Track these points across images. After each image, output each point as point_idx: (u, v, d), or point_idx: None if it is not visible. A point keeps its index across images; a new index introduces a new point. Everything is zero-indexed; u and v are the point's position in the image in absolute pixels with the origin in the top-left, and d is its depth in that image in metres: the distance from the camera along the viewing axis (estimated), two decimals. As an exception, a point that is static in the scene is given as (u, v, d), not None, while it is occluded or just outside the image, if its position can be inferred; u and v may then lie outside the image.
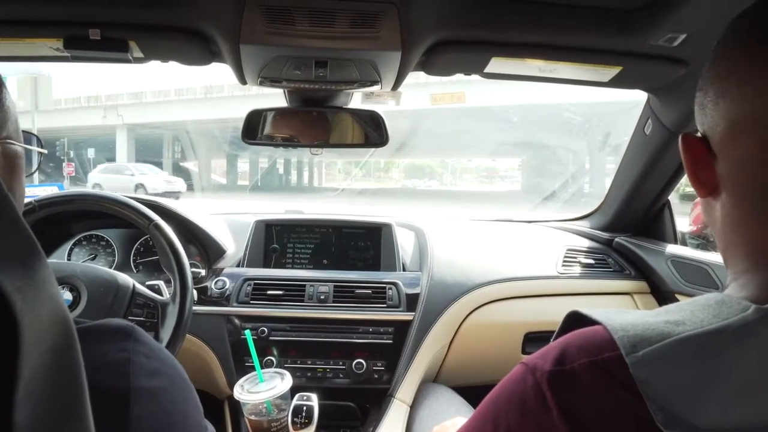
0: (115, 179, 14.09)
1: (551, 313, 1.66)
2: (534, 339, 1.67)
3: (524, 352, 1.67)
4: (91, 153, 13.18)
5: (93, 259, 1.73)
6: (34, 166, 0.74)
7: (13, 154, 0.60)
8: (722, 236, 0.55)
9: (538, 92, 10.67)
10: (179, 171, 15.87)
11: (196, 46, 1.12)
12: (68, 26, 1.06)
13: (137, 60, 1.19)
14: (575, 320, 0.56)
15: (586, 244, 1.91)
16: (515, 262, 1.77)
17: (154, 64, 1.27)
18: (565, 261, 1.80)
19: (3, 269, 0.30)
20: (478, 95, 11.86)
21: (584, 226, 2.07)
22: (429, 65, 1.24)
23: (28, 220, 1.39)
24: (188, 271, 1.36)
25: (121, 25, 1.08)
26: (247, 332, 1.30)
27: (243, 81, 1.26)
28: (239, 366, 1.57)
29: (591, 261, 1.82)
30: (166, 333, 1.33)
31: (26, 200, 1.42)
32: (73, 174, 12.77)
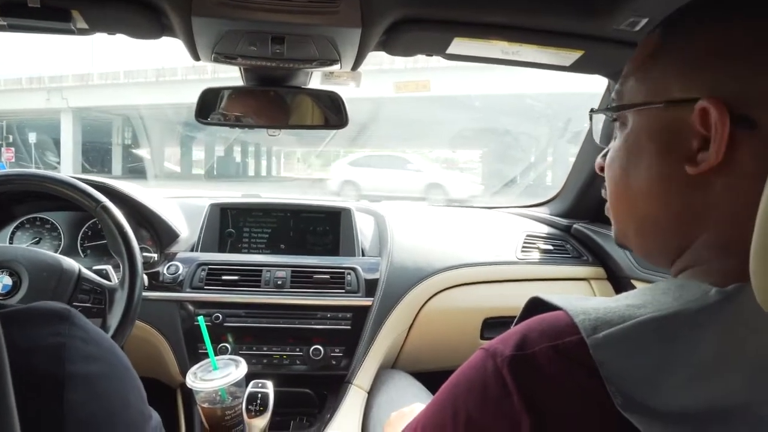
0: (386, 175, 10.60)
1: (510, 299, 1.66)
2: (493, 324, 1.67)
3: (483, 337, 1.67)
4: (32, 138, 12.62)
5: (37, 242, 1.64)
6: None
7: None
8: (688, 222, 0.54)
9: (502, 81, 10.76)
10: (130, 158, 15.43)
11: (144, 18, 1.06)
12: None
13: (81, 31, 1.11)
14: (536, 306, 0.55)
15: (545, 230, 1.92)
16: (475, 248, 1.76)
17: (102, 39, 1.19)
18: (524, 247, 1.80)
19: None
20: (443, 84, 11.85)
21: (544, 212, 2.08)
22: (390, 45, 1.21)
23: None
24: (138, 255, 1.30)
25: None
26: (200, 318, 1.25)
27: (196, 57, 1.20)
28: (192, 353, 1.51)
29: (550, 247, 1.83)
30: (114, 319, 1.27)
31: None
32: (13, 159, 12.21)
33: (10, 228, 1.64)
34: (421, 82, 12.31)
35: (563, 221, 1.96)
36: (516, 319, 0.57)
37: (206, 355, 1.19)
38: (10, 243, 1.63)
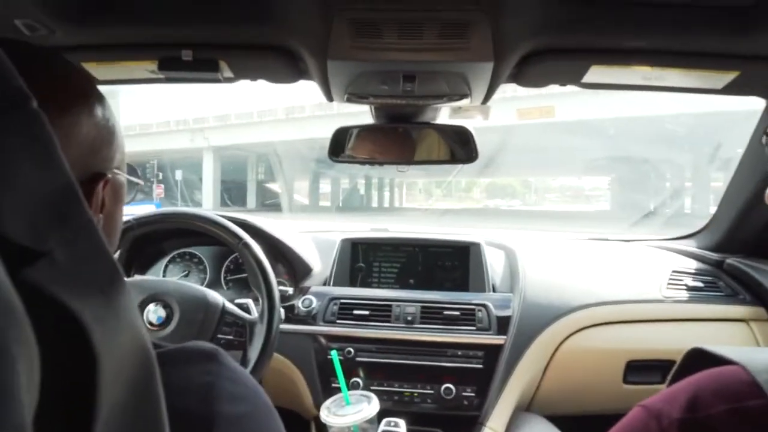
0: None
1: (656, 341, 1.53)
2: (637, 368, 1.54)
3: (626, 381, 1.54)
4: (178, 175, 13.79)
5: (186, 275, 1.77)
6: (131, 194, 0.76)
7: (119, 184, 0.62)
8: None
9: (634, 104, 10.18)
10: (263, 192, 16.41)
11: (284, 64, 1.12)
12: (162, 48, 1.08)
13: (227, 80, 1.20)
14: (697, 357, 0.48)
15: (693, 265, 1.76)
16: (615, 285, 1.65)
17: (241, 86, 1.28)
18: (670, 284, 1.66)
19: (82, 298, 0.27)
20: (568, 109, 11.44)
21: (690, 245, 1.91)
22: (522, 76, 1.18)
23: (127, 238, 1.44)
24: (275, 290, 1.36)
25: (212, 45, 1.09)
26: (334, 353, 1.28)
27: (330, 98, 1.24)
28: (325, 386, 1.54)
29: (700, 284, 1.67)
30: (254, 352, 1.33)
31: (125, 218, 1.47)
32: (163, 195, 13.38)
33: (164, 262, 1.78)
34: (545, 108, 11.98)
35: (714, 255, 1.78)
36: (673, 373, 0.50)
37: (339, 389, 1.21)
38: (163, 276, 1.76)
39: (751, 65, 1.11)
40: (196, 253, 1.80)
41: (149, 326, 1.30)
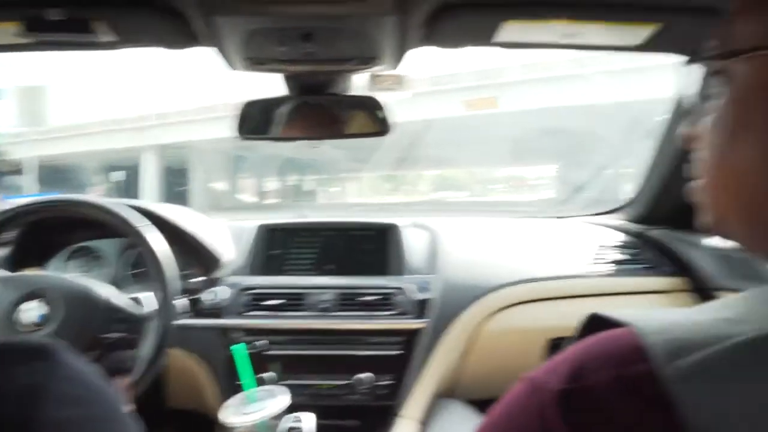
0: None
1: (579, 317, 1.47)
2: (560, 346, 1.49)
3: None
4: (118, 176, 13.35)
5: (87, 271, 1.63)
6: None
7: None
8: None
9: (575, 93, 10.49)
10: (209, 191, 16.02)
11: (170, 24, 1.01)
12: (27, 7, 0.96)
13: (110, 45, 1.08)
14: (597, 325, 0.42)
15: (619, 238, 1.73)
16: (539, 261, 1.60)
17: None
18: (596, 258, 1.63)
19: None
20: (512, 99, 11.65)
21: (617, 219, 1.89)
22: (433, 37, 1.10)
23: (9, 227, 1.30)
24: (170, 280, 1.24)
25: (83, 2, 0.97)
26: (235, 348, 1.17)
27: (230, 65, 1.14)
28: (234, 385, 1.43)
29: (624, 257, 1.64)
30: (146, 350, 1.21)
31: (8, 207, 1.33)
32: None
33: (62, 257, 1.64)
34: (488, 99, 12.14)
35: (638, 228, 1.76)
36: (569, 343, 0.44)
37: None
38: (62, 272, 1.62)
39: (671, 17, 1.05)
40: (100, 246, 1.66)
41: (27, 326, 1.16)
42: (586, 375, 0.36)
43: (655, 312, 0.40)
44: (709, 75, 0.46)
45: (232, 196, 15.74)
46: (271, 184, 18.10)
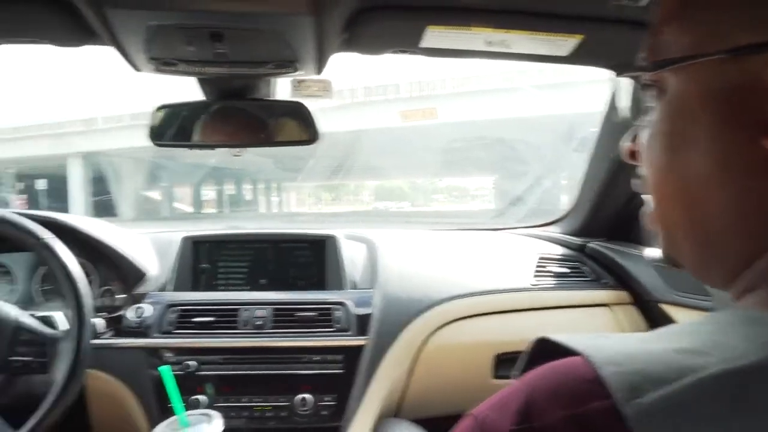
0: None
1: (525, 330, 1.46)
2: (506, 360, 1.47)
3: (496, 376, 1.46)
4: (42, 184, 12.67)
5: None
6: None
7: None
8: (760, 221, 0.38)
9: (507, 106, 10.76)
10: (142, 201, 15.44)
11: (58, 19, 0.91)
12: None
13: None
14: (545, 350, 0.38)
15: (558, 251, 1.73)
16: (482, 275, 1.57)
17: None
18: (537, 271, 1.61)
19: None
20: (450, 110, 11.82)
21: (556, 231, 1.89)
22: (354, 41, 1.05)
23: None
24: (84, 298, 1.14)
25: None
26: (161, 369, 1.07)
27: (135, 67, 1.04)
28: (163, 408, 1.32)
29: (565, 270, 1.63)
30: (59, 374, 1.10)
31: None
32: (27, 207, 12.27)
33: None
34: (427, 110, 12.26)
35: (577, 240, 1.76)
36: (516, 369, 0.41)
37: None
38: None
39: (594, 29, 1.05)
40: (6, 261, 1.51)
41: None
42: (537, 414, 0.33)
43: (607, 339, 0.37)
44: (641, 88, 0.44)
45: (169, 205, 15.24)
46: (209, 193, 17.68)
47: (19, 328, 1.11)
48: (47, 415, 1.06)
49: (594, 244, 1.70)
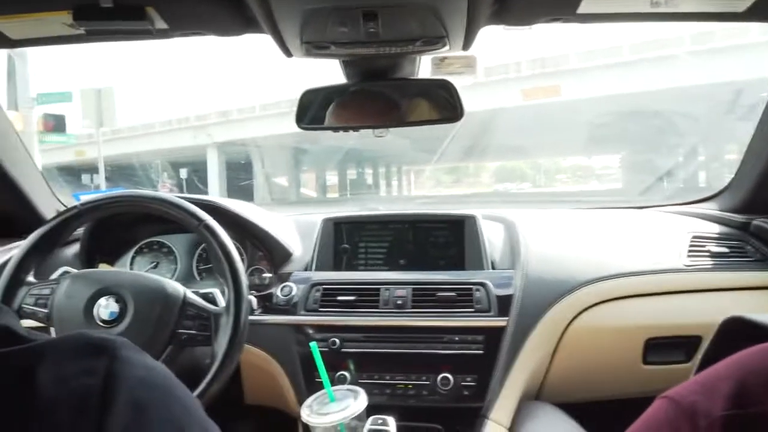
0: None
1: (678, 315, 1.36)
2: (658, 346, 1.37)
3: (646, 361, 1.38)
4: (183, 173, 13.69)
5: (155, 267, 1.62)
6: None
7: None
8: None
9: (642, 79, 10.04)
10: (271, 186, 16.29)
11: (224, 10, 0.96)
12: None
13: (161, 33, 1.04)
14: (736, 330, 0.36)
15: (716, 229, 1.58)
16: (629, 255, 1.48)
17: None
18: (691, 251, 1.48)
19: None
20: (575, 87, 11.26)
21: (711, 208, 1.73)
22: (505, 13, 1.00)
23: (77, 224, 1.29)
24: (242, 276, 1.20)
25: None
26: (313, 345, 1.11)
27: (287, 52, 1.08)
28: (310, 382, 1.39)
29: (725, 249, 1.49)
30: (220, 347, 1.17)
31: (72, 204, 1.33)
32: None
33: (130, 253, 1.63)
34: (550, 88, 11.74)
35: (739, 217, 1.60)
36: (705, 350, 0.39)
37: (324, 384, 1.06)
38: (131, 268, 1.62)
39: None
40: (165, 242, 1.65)
41: (100, 323, 1.15)
42: (752, 400, 0.29)
43: None
44: None
45: (296, 191, 15.94)
46: (333, 177, 18.23)
47: (186, 304, 1.20)
48: (212, 382, 1.14)
49: (760, 221, 1.53)
